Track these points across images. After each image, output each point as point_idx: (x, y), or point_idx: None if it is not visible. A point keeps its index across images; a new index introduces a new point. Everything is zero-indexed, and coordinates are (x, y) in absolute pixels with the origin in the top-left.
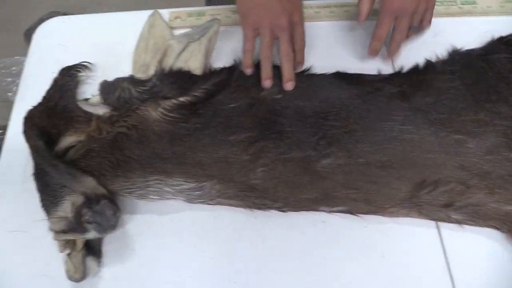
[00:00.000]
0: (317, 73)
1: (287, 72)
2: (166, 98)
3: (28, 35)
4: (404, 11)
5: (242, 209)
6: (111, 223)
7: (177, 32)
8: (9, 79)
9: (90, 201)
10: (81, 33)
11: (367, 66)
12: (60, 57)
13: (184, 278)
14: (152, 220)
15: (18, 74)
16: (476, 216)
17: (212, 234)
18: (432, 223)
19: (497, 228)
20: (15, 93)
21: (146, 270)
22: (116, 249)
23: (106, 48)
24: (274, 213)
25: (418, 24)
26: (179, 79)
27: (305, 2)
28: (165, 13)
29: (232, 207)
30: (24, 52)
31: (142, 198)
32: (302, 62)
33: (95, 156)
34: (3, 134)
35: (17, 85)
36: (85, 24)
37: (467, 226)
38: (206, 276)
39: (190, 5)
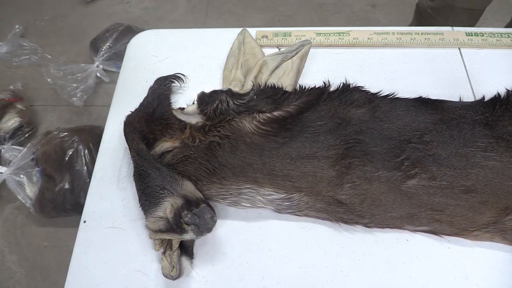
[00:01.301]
0: (401, 97)
1: None
2: (261, 111)
3: (93, 44)
4: None
5: (327, 222)
6: (208, 226)
7: (265, 49)
8: (74, 85)
9: (190, 203)
10: (171, 45)
11: (446, 92)
12: (153, 67)
13: (272, 284)
14: (241, 227)
15: (82, 81)
16: None
17: (298, 244)
18: None
19: None
20: (79, 98)
21: (236, 274)
22: (207, 252)
23: (195, 61)
24: (359, 228)
25: None
26: (273, 95)
27: (385, 28)
28: (252, 31)
29: (318, 219)
30: (88, 60)
31: (234, 205)
32: None
33: (192, 162)
34: (68, 136)
35: (81, 91)
36: (175, 38)
37: None
38: (293, 284)
39: (248, 25)
